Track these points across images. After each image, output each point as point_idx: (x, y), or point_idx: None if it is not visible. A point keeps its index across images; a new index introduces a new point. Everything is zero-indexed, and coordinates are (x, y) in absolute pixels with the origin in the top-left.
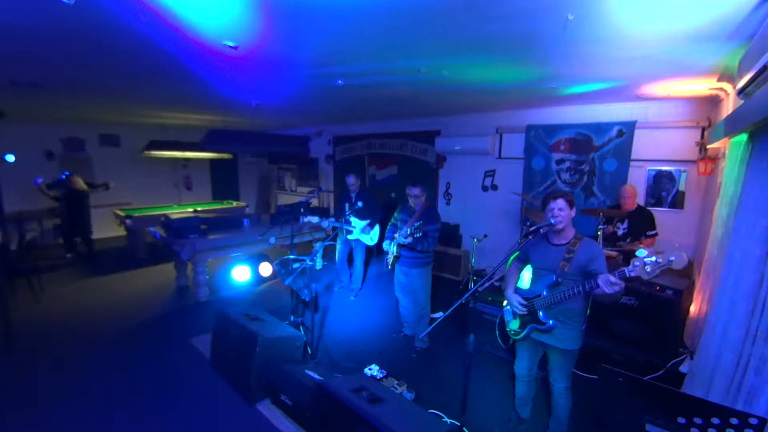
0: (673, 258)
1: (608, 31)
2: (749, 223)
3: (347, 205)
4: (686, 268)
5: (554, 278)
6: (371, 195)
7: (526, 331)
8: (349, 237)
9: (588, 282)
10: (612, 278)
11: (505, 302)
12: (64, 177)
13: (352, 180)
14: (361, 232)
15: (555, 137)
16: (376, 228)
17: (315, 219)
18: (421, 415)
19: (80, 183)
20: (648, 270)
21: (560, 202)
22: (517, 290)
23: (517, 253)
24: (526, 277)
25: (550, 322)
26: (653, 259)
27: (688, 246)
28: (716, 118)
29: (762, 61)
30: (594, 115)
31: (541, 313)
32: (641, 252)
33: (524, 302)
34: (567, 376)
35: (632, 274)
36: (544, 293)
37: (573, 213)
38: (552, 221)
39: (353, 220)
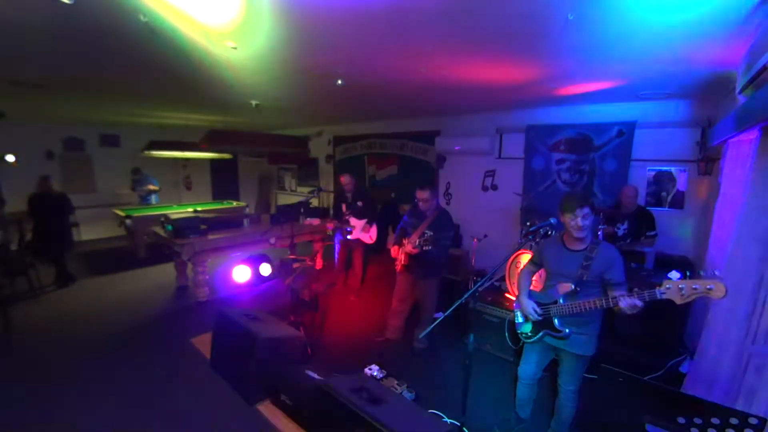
0: (711, 287)
1: (608, 31)
2: (751, 223)
3: (344, 206)
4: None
5: (572, 287)
6: (368, 194)
7: (538, 335)
8: (350, 237)
9: (608, 300)
10: (637, 302)
11: (515, 303)
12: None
13: (347, 179)
14: (361, 231)
15: (555, 137)
16: (374, 227)
17: (316, 221)
18: (421, 415)
19: (51, 186)
20: (684, 294)
21: (586, 210)
22: (531, 295)
23: (528, 256)
24: (540, 282)
25: (566, 330)
26: (693, 285)
27: (688, 246)
28: (716, 118)
29: (763, 60)
30: (594, 115)
31: (556, 321)
32: (674, 274)
33: (539, 309)
34: (577, 380)
35: (664, 297)
36: (561, 301)
37: (594, 217)
38: (576, 235)
39: (352, 219)
